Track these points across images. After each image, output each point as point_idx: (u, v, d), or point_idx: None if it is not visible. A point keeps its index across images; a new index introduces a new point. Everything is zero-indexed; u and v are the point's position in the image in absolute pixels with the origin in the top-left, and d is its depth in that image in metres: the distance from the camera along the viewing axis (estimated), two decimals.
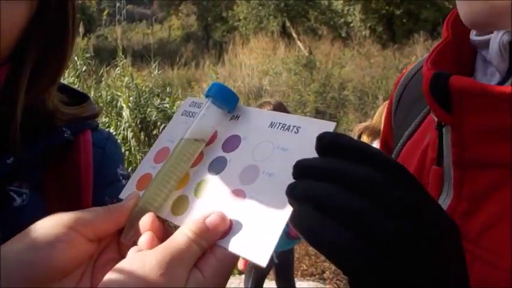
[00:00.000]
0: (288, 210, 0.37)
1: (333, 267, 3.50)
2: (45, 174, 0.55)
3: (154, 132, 5.19)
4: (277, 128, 0.44)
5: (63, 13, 0.55)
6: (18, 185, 0.52)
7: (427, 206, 0.34)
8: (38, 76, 0.53)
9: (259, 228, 0.38)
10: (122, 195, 0.49)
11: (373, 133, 2.42)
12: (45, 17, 0.53)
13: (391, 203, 0.32)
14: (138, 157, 4.74)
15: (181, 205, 0.44)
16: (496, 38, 0.45)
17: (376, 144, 2.25)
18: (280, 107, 2.49)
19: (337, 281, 3.42)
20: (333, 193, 0.33)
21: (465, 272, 0.35)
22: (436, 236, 0.33)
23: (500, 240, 0.41)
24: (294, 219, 0.34)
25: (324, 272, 3.54)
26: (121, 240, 0.43)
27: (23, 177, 0.52)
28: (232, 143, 0.45)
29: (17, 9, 0.49)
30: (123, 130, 4.94)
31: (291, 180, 0.36)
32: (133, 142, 4.88)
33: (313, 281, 3.50)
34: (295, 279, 3.50)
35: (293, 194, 0.35)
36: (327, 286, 3.41)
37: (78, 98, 0.63)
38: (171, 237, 0.39)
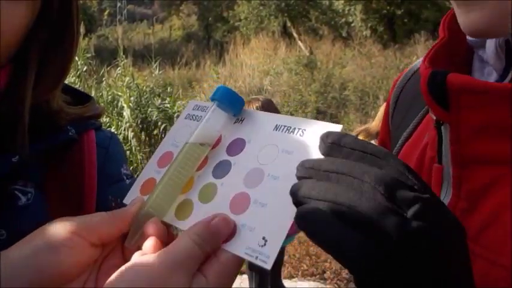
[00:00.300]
0: (293, 213, 0.36)
1: (334, 267, 3.50)
2: (46, 174, 0.55)
3: (155, 132, 5.20)
4: (282, 131, 0.43)
5: (66, 13, 0.55)
6: (23, 184, 0.52)
7: (436, 205, 0.34)
8: (41, 76, 0.54)
9: (264, 231, 0.38)
10: (126, 200, 0.49)
11: (369, 135, 2.42)
12: (48, 17, 0.53)
13: (401, 203, 0.32)
14: (138, 157, 4.75)
15: (185, 209, 0.44)
16: (492, 38, 0.45)
17: None
18: (269, 105, 2.45)
19: (338, 281, 3.41)
20: (338, 193, 0.33)
21: (469, 272, 0.35)
22: (443, 236, 0.33)
23: (500, 238, 0.41)
24: (298, 219, 0.34)
25: (324, 272, 3.54)
26: (125, 245, 0.43)
27: (26, 176, 0.53)
28: (236, 146, 0.45)
29: (17, 10, 0.49)
30: (124, 130, 4.94)
31: None
32: (134, 142, 4.89)
33: (313, 281, 3.49)
34: (296, 278, 3.50)
35: (297, 194, 0.35)
36: (328, 286, 3.41)
37: (80, 98, 0.63)
38: (174, 241, 0.39)
